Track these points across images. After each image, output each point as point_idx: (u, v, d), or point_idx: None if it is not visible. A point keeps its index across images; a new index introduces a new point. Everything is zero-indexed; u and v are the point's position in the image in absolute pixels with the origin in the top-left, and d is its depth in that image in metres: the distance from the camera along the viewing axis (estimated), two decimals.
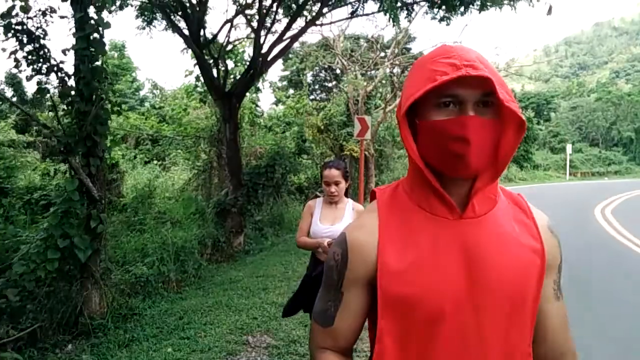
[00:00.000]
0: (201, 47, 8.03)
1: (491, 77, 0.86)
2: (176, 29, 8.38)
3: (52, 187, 9.79)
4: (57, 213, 4.30)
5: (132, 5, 8.79)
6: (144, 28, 9.40)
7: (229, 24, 9.07)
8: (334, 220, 3.19)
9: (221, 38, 9.11)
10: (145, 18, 9.30)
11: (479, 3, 7.29)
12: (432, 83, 0.87)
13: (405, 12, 8.20)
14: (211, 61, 8.51)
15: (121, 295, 4.95)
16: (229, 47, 9.52)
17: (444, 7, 7.38)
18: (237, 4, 8.94)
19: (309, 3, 8.32)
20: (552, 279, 1.02)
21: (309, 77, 28.48)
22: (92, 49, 4.27)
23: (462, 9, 7.32)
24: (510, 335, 0.95)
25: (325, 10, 8.66)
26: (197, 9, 7.84)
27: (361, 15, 9.20)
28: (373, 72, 19.29)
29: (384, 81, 18.97)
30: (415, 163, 0.95)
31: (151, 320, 4.79)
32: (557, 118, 63.10)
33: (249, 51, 11.16)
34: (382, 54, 18.84)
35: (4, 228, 5.37)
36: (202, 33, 8.14)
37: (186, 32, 8.28)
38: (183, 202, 8.85)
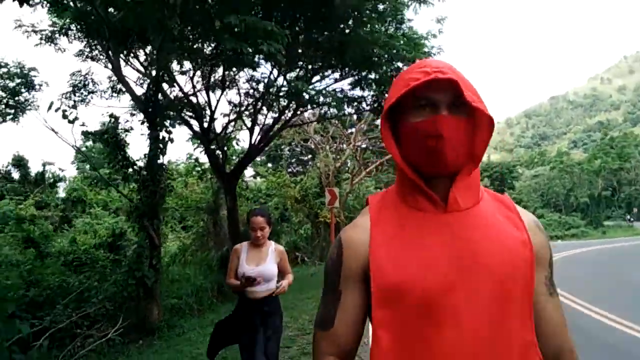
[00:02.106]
0: (209, 140, 10.95)
1: (458, 80, 0.97)
2: (189, 126, 11.31)
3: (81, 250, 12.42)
4: (134, 254, 6.87)
5: None
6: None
7: (227, 120, 12.14)
8: (258, 261, 3.47)
9: (218, 128, 12.09)
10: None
11: None
12: (406, 88, 0.98)
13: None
14: (214, 149, 11.39)
15: (169, 312, 7.41)
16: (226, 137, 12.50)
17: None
18: (235, 108, 12.04)
19: (289, 107, 11.41)
20: (544, 275, 1.05)
21: (286, 151, 31.52)
22: (160, 153, 7.07)
23: None
24: (507, 322, 0.96)
25: (299, 112, 11.80)
26: (209, 113, 10.86)
27: (329, 118, 12.36)
28: (344, 145, 22.52)
29: (350, 158, 22.21)
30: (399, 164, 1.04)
31: (185, 327, 7.20)
32: (521, 186, 67.28)
33: (241, 138, 14.17)
34: (351, 131, 22.15)
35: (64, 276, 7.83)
36: (211, 129, 11.08)
37: (195, 127, 11.24)
38: (196, 258, 11.36)
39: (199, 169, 16.03)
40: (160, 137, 7.04)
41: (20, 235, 12.26)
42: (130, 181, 7.12)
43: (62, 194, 26.69)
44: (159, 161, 7.13)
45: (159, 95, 7.02)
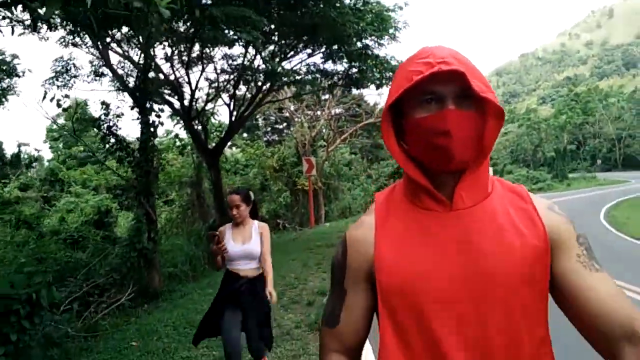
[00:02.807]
0: (191, 118, 11.52)
1: (464, 71, 0.90)
2: (170, 105, 11.82)
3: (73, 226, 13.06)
4: (133, 229, 7.60)
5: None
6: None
7: (206, 97, 12.69)
8: (244, 240, 3.50)
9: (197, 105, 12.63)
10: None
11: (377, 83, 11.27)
12: (409, 83, 0.93)
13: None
14: (197, 127, 11.98)
15: (167, 279, 8.22)
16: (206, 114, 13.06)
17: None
18: (213, 84, 12.56)
19: (265, 84, 12.01)
20: (574, 253, 0.97)
21: (260, 121, 31.95)
22: (151, 136, 7.70)
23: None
24: (515, 320, 0.94)
25: (276, 87, 12.41)
26: (188, 91, 11.40)
27: (305, 94, 13.02)
28: (318, 112, 23.20)
29: (325, 126, 22.94)
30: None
31: (184, 291, 8.04)
32: None
33: (218, 112, 14.77)
34: (326, 96, 22.78)
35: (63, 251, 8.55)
36: (192, 107, 11.63)
37: (175, 105, 11.77)
38: (182, 230, 12.11)
39: (179, 144, 16.55)
40: (151, 122, 7.65)
41: (12, 216, 12.77)
42: (124, 163, 7.75)
43: (37, 174, 26.84)
44: (151, 143, 7.76)
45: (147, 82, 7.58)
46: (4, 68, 10.09)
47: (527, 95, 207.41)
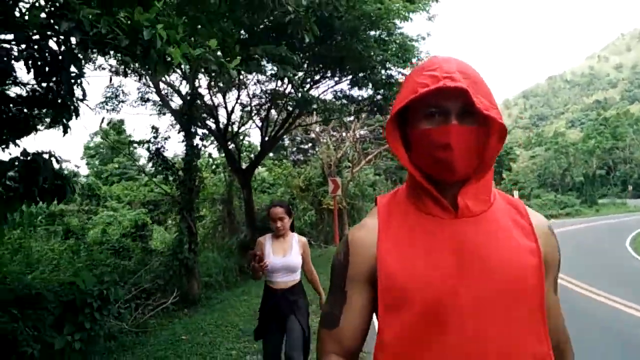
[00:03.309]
0: (227, 140, 12.43)
1: (468, 88, 0.93)
2: (205, 127, 12.78)
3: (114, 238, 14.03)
4: (176, 240, 8.42)
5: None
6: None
7: (241, 120, 13.63)
8: (284, 252, 3.51)
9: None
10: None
11: None
12: (414, 95, 0.96)
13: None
14: (231, 147, 12.88)
15: (204, 287, 8.99)
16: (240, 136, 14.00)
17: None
18: (245, 108, 13.51)
19: (294, 112, 12.88)
20: (553, 276, 1.06)
21: (287, 141, 32.95)
22: (195, 157, 8.57)
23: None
24: (515, 330, 0.95)
25: (305, 113, 13.27)
26: (224, 115, 12.37)
27: (332, 119, 13.86)
28: (343, 134, 23.97)
29: (350, 147, 23.72)
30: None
31: (220, 298, 8.77)
32: (518, 167, 68.42)
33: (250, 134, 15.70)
34: (351, 118, 23.55)
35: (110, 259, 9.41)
36: (229, 130, 12.55)
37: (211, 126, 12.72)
38: (216, 243, 12.94)
39: (213, 164, 17.58)
40: (195, 144, 8.54)
41: (60, 228, 13.83)
42: (169, 181, 8.64)
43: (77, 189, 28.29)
44: (194, 164, 8.64)
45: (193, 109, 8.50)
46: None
47: (555, 118, 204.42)
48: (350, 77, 12.35)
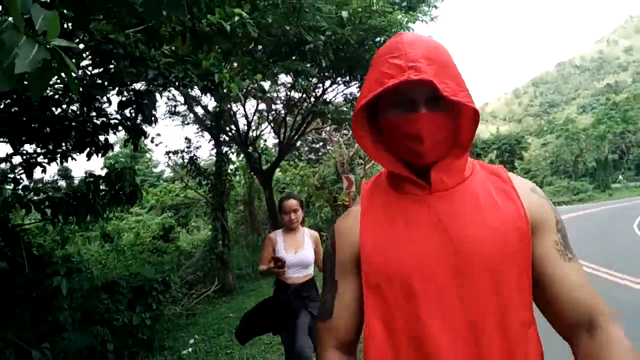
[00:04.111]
0: (247, 145, 13.50)
1: (433, 79, 0.89)
2: (230, 135, 13.87)
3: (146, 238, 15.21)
4: (212, 237, 9.49)
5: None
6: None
7: (255, 127, 14.71)
8: (297, 247, 3.41)
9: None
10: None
11: None
12: (380, 87, 0.93)
13: None
14: (250, 150, 13.95)
15: (236, 278, 10.07)
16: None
17: None
18: (267, 119, 14.59)
19: (308, 117, 13.89)
20: (552, 240, 0.98)
21: (298, 142, 33.92)
22: (224, 163, 9.62)
23: None
24: (499, 302, 0.92)
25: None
26: (247, 123, 13.45)
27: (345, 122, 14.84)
28: None
29: None
30: None
31: (253, 287, 9.81)
32: (530, 155, 68.15)
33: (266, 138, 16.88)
34: None
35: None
36: (249, 136, 13.62)
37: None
38: (240, 241, 14.03)
39: (232, 167, 18.72)
40: (224, 152, 9.60)
41: (97, 232, 15.04)
42: (202, 185, 9.72)
43: None
44: (224, 169, 9.70)
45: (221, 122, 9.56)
46: None
47: (566, 104, 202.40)
48: (359, 82, 13.32)
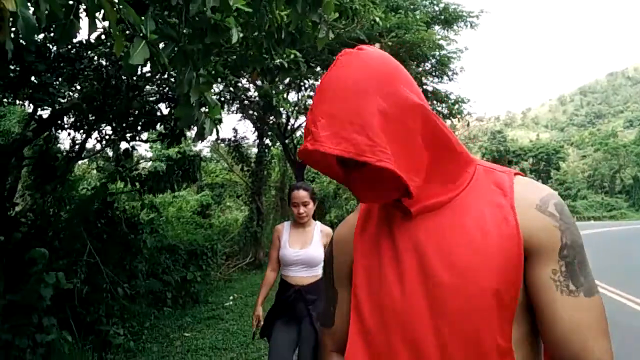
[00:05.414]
0: (285, 136, 14.82)
1: (326, 148, 0.80)
2: (268, 126, 15.20)
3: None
4: (248, 217, 10.90)
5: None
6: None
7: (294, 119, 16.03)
8: (303, 244, 3.09)
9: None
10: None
11: None
12: (298, 152, 0.89)
13: None
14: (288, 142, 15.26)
15: (265, 255, 11.49)
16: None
17: None
18: (301, 109, 15.82)
19: None
20: (549, 269, 0.84)
21: None
22: (264, 153, 10.96)
23: None
24: (475, 333, 0.83)
25: None
26: (286, 116, 14.76)
27: None
28: None
29: None
30: None
31: None
32: (567, 167, 66.40)
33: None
34: None
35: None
36: (287, 128, 14.92)
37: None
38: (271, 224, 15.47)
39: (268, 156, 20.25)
40: (266, 143, 10.94)
41: (146, 203, 16.73)
42: (244, 171, 11.11)
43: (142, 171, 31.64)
44: (264, 158, 11.05)
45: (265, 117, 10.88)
46: None
47: (613, 116, 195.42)
48: None
